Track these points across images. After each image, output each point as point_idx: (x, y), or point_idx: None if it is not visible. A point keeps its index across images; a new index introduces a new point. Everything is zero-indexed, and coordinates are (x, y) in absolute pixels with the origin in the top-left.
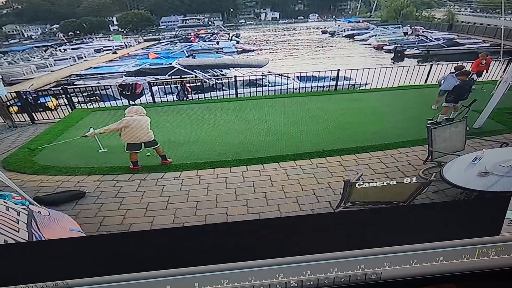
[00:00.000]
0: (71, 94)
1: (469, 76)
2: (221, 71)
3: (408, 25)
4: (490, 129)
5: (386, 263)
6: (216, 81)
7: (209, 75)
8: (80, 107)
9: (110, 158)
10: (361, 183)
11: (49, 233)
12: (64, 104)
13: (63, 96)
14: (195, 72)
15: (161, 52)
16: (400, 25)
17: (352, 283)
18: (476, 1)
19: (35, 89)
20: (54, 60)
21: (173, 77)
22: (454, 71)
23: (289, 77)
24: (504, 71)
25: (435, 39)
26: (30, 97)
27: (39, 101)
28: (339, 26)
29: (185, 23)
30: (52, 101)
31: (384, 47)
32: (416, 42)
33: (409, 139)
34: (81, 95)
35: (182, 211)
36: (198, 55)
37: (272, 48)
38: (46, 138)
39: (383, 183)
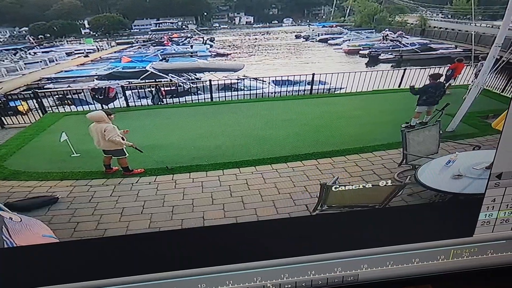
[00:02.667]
0: (42, 98)
1: (439, 79)
2: (195, 75)
3: (387, 29)
4: (463, 133)
5: (363, 265)
6: (191, 85)
7: (184, 79)
8: (52, 111)
9: (83, 162)
10: (337, 186)
11: (21, 240)
12: (35, 108)
13: (34, 100)
14: (170, 76)
15: (134, 56)
16: (374, 30)
17: (329, 285)
18: (448, 7)
19: (4, 93)
20: (24, 64)
21: (146, 81)
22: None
23: (265, 81)
24: (475, 76)
25: (409, 44)
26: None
27: (8, 105)
28: (313, 30)
29: (159, 26)
30: (22, 105)
31: (360, 52)
32: (390, 47)
33: (384, 143)
34: (52, 99)
35: (158, 215)
36: (172, 59)
37: (246, 52)
38: (16, 143)
39: (359, 186)
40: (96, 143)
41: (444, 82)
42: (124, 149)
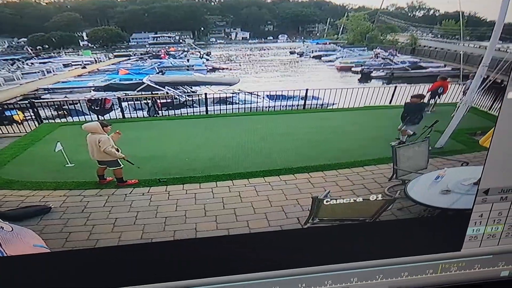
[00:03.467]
0: (38, 108)
1: (421, 100)
2: (191, 88)
3: (378, 47)
4: (451, 149)
5: (353, 278)
6: (187, 98)
7: (180, 92)
8: (48, 121)
9: (77, 173)
10: (329, 199)
11: (12, 249)
12: (31, 118)
13: (30, 109)
14: (166, 88)
15: (131, 68)
16: (365, 48)
17: None
18: (437, 27)
19: (0, 102)
20: (22, 74)
21: (143, 93)
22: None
23: (259, 96)
24: (463, 94)
25: (400, 62)
26: None
27: (4, 114)
28: (307, 47)
29: (156, 40)
30: (18, 115)
31: (352, 69)
32: (382, 65)
33: (374, 157)
34: (48, 109)
35: (151, 226)
36: (169, 72)
37: (242, 67)
38: (10, 152)
39: (350, 200)
40: (90, 153)
41: (429, 100)
42: (119, 160)
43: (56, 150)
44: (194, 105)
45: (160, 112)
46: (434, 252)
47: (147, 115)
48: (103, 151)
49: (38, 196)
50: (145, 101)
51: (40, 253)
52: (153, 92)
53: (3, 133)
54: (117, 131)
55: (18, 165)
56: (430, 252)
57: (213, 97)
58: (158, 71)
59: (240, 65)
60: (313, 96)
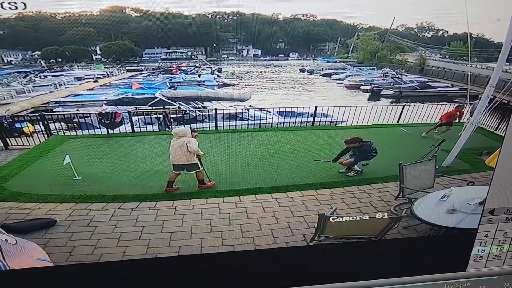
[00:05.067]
0: (49, 121)
1: (359, 143)
2: (202, 103)
3: (386, 66)
4: (458, 168)
5: None
6: (199, 113)
7: (192, 107)
8: (57, 134)
9: (84, 186)
10: (335, 217)
11: (15, 263)
12: (41, 130)
13: (40, 122)
14: (178, 103)
15: (143, 83)
16: (375, 67)
17: None
18: (446, 48)
19: (11, 114)
20: (33, 86)
21: (153, 107)
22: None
23: (269, 112)
24: (470, 114)
25: (408, 81)
26: (5, 122)
27: (14, 127)
28: (317, 65)
29: (169, 55)
30: (28, 127)
31: (361, 87)
32: (391, 84)
33: (381, 176)
34: (58, 122)
35: (156, 241)
36: (180, 87)
37: (252, 84)
38: (18, 164)
39: (356, 218)
40: (172, 156)
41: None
42: (199, 163)
43: (64, 163)
44: (205, 120)
45: (171, 126)
46: (439, 271)
47: (159, 130)
48: (191, 151)
49: (44, 209)
50: (156, 116)
51: (43, 267)
52: (165, 107)
53: (12, 145)
54: (195, 134)
55: (25, 178)
56: (435, 271)
57: (223, 113)
58: (169, 86)
59: (250, 81)
60: (322, 113)
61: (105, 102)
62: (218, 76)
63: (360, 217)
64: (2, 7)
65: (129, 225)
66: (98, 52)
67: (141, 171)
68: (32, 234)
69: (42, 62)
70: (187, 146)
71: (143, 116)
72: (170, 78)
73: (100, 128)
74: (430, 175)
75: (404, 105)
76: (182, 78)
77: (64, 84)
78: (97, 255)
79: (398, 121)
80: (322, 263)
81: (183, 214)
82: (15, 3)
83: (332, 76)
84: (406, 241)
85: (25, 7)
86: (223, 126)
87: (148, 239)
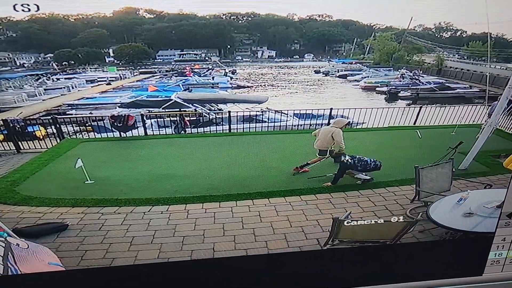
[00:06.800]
0: (61, 124)
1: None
2: (218, 105)
3: (403, 67)
4: (475, 171)
5: None
6: (216, 115)
7: (208, 110)
8: (69, 137)
9: (97, 190)
10: (350, 221)
11: (26, 267)
12: (53, 134)
13: (53, 125)
14: (195, 106)
15: (158, 85)
16: (391, 68)
17: None
18: (464, 48)
19: (23, 118)
20: (45, 89)
21: (167, 110)
22: None
23: (285, 114)
24: (488, 116)
25: (425, 82)
26: (18, 126)
27: (26, 130)
28: (333, 66)
29: (182, 57)
30: (40, 130)
31: (377, 89)
32: (409, 85)
33: (397, 178)
34: (71, 125)
35: (168, 246)
36: (194, 89)
37: (267, 85)
38: (30, 168)
39: (371, 221)
40: (316, 141)
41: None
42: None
43: (76, 166)
44: (221, 122)
45: (186, 129)
46: (455, 276)
47: (174, 132)
48: (337, 141)
49: (56, 213)
50: (169, 118)
51: (54, 271)
52: (181, 110)
53: (24, 149)
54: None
55: (37, 181)
56: (451, 276)
57: (237, 115)
58: (184, 88)
59: (265, 83)
60: (337, 115)
61: (119, 104)
62: (231, 78)
63: (375, 221)
64: (14, 9)
65: (141, 229)
66: (111, 54)
67: (153, 175)
68: (43, 238)
69: (54, 64)
70: (332, 136)
71: (156, 119)
72: (184, 81)
73: (112, 131)
74: (447, 178)
75: (421, 107)
76: (196, 81)
77: (76, 87)
78: (109, 259)
79: (414, 123)
80: (336, 268)
81: (196, 218)
82: (28, 5)
83: (348, 78)
84: (422, 245)
85: (38, 9)
86: (238, 128)
87: (160, 243)
